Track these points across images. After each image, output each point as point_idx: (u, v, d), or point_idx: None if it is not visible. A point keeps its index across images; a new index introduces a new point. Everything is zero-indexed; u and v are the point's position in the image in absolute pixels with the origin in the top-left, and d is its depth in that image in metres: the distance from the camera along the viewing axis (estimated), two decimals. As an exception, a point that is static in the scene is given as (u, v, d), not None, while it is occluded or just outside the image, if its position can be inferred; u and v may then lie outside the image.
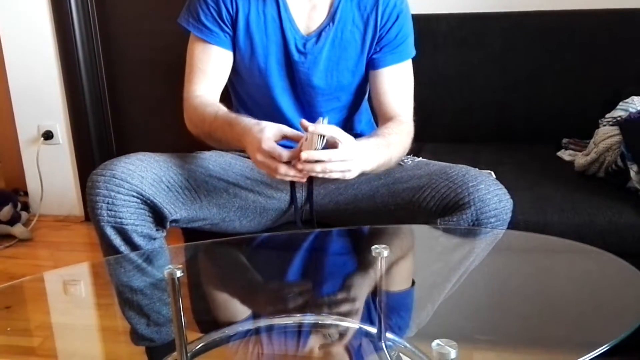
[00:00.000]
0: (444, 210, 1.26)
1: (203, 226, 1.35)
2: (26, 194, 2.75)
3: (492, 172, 1.67)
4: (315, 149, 1.09)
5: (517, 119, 2.06)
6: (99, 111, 2.65)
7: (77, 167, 2.65)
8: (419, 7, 2.11)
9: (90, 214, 1.23)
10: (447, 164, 1.35)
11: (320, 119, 1.14)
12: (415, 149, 1.90)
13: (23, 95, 2.61)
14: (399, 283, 1.22)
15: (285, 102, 1.41)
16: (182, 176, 1.29)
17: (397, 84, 1.40)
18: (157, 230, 1.27)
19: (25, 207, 2.70)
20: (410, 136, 1.37)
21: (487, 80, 2.05)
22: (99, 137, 2.66)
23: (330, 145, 1.12)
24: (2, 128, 2.85)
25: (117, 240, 1.23)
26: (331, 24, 1.35)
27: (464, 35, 2.06)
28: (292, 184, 1.41)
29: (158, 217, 1.26)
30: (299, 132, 1.16)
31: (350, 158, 1.12)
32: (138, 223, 1.22)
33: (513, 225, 1.28)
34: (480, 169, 1.68)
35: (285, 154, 1.11)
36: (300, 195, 1.41)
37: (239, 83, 1.45)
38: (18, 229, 2.50)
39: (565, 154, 1.89)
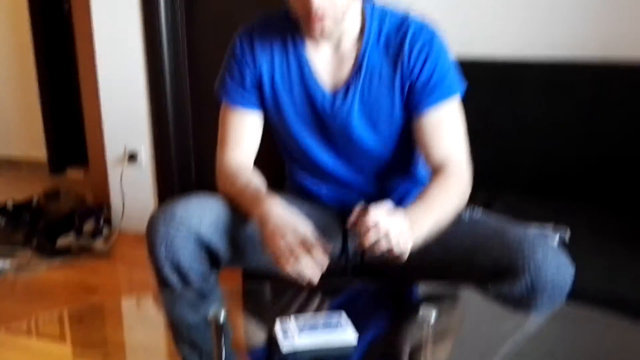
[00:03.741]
0: (496, 274, 1.19)
1: (258, 268, 1.36)
2: (110, 209, 2.87)
3: (568, 229, 1.57)
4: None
5: (604, 177, 1.91)
6: (182, 139, 2.74)
7: (157, 189, 2.75)
8: (502, 49, 2.05)
9: (149, 253, 1.25)
10: (507, 223, 1.27)
11: (359, 205, 1.12)
12: (488, 198, 1.83)
13: (113, 117, 2.75)
14: (443, 350, 1.16)
15: (325, 158, 1.38)
16: (239, 220, 1.29)
17: (439, 128, 1.28)
18: (212, 269, 1.28)
19: (108, 221, 2.81)
20: (462, 183, 1.27)
21: (574, 133, 1.93)
22: (180, 163, 2.74)
23: None
24: (94, 146, 2.99)
25: (174, 279, 1.25)
26: (357, 79, 1.29)
27: (551, 82, 1.95)
28: (345, 233, 1.39)
29: (213, 258, 1.27)
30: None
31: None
32: (195, 265, 1.24)
33: (578, 295, 1.19)
34: (554, 226, 1.59)
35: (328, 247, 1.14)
36: (354, 244, 1.38)
37: (276, 135, 1.44)
38: (98, 244, 2.61)
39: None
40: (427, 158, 1.31)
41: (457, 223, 1.29)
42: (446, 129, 1.29)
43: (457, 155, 1.29)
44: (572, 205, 1.85)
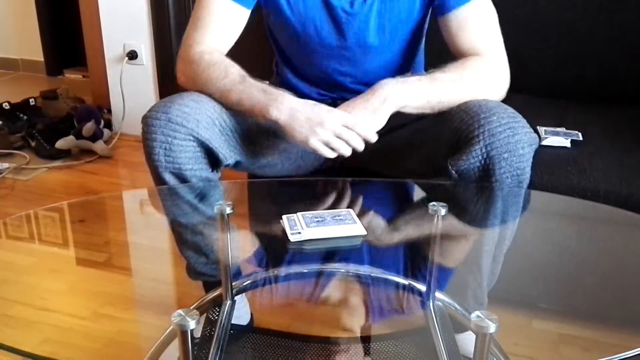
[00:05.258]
0: (457, 146, 1.14)
1: (253, 169, 1.33)
2: (110, 111, 2.82)
3: (580, 134, 1.55)
4: None
5: (619, 77, 1.86)
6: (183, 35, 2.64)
7: (158, 89, 2.68)
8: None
9: (147, 158, 1.19)
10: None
11: None
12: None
13: (111, 14, 2.64)
14: (451, 242, 1.15)
15: (332, 63, 1.32)
16: (234, 118, 1.25)
17: (468, 25, 1.24)
18: (212, 172, 1.24)
19: (109, 124, 2.77)
20: (487, 71, 1.22)
21: (591, 31, 1.86)
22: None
23: None
24: (92, 45, 2.91)
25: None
26: None
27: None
28: None
29: (212, 160, 1.23)
30: None
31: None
32: (196, 167, 1.20)
33: (592, 196, 1.17)
34: (566, 129, 1.57)
35: None
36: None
37: (281, 41, 1.37)
38: (99, 146, 2.57)
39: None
40: (457, 52, 1.26)
41: None
42: (477, 25, 1.24)
43: (490, 48, 1.24)
44: (583, 106, 1.81)
